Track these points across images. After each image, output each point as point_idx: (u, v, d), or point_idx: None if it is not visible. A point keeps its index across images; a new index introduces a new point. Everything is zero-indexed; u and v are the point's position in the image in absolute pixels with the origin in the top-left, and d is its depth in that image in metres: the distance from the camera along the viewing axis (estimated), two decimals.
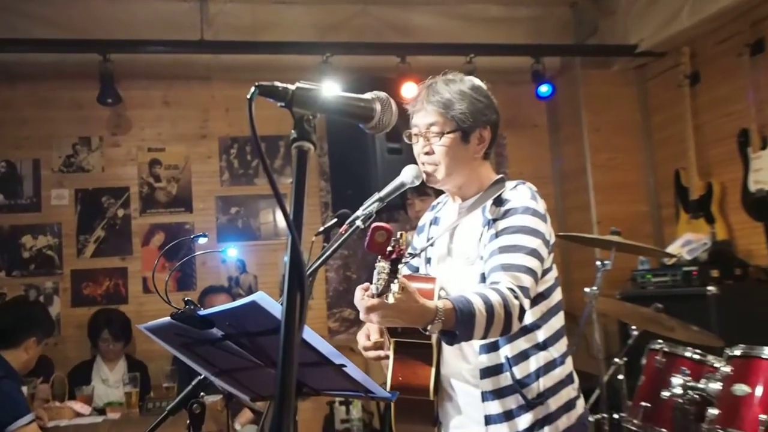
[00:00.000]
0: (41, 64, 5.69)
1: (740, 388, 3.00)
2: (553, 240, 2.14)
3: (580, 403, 2.18)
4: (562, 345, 2.15)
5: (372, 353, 2.16)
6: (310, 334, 1.54)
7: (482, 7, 6.36)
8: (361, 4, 6.11)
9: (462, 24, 6.28)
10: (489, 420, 2.05)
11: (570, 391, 2.14)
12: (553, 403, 2.08)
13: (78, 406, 4.16)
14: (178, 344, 1.85)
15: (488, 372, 2.07)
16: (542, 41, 6.31)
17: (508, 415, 2.04)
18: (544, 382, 2.07)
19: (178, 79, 6.03)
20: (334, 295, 6.18)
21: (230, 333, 1.69)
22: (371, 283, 1.64)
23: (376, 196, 2.06)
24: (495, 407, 2.05)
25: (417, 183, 2.12)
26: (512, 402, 2.05)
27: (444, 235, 2.25)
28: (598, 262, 3.81)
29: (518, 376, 2.05)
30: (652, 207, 6.36)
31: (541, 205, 2.08)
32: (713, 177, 5.59)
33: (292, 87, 1.08)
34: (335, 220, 3.86)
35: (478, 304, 1.78)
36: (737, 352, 3.12)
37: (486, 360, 2.07)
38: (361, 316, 1.70)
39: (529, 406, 2.04)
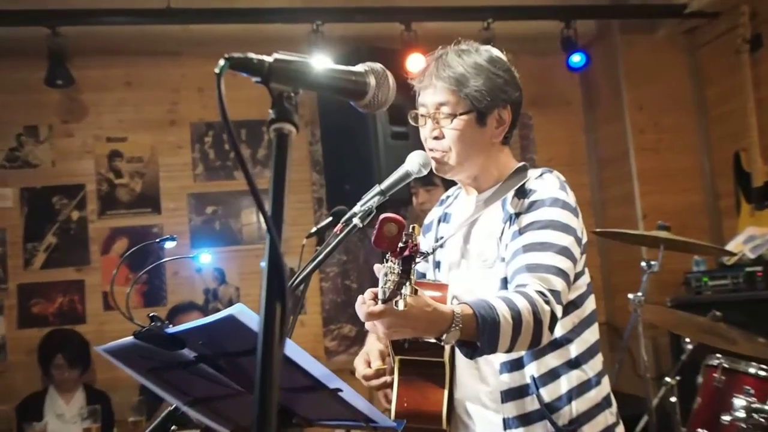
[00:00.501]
0: None
1: None
2: (585, 239, 2.14)
3: (620, 431, 2.18)
4: (597, 362, 2.16)
5: (375, 382, 2.17)
6: (299, 354, 1.55)
7: None
8: None
9: None
10: None
11: (607, 417, 2.14)
12: (588, 430, 2.08)
13: None
14: (144, 369, 1.86)
15: (511, 395, 2.07)
16: (574, 2, 6.30)
17: None
18: (576, 406, 2.07)
19: (141, 56, 6.04)
20: (331, 308, 6.19)
21: (205, 354, 1.70)
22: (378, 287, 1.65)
23: (377, 188, 2.07)
24: None
25: (425, 172, 2.13)
26: (539, 430, 2.05)
27: (457, 235, 2.25)
28: (644, 264, 3.82)
29: (546, 399, 2.05)
30: (707, 197, 6.36)
31: (571, 197, 2.09)
32: None
33: (269, 59, 1.09)
34: (330, 218, 3.87)
35: (502, 310, 1.79)
36: None
37: (508, 380, 2.08)
38: (366, 326, 1.71)
39: None
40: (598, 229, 4.22)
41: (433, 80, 2.12)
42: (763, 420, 3.19)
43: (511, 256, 2.01)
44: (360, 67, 1.24)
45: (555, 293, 1.90)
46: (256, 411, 0.80)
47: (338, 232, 2.09)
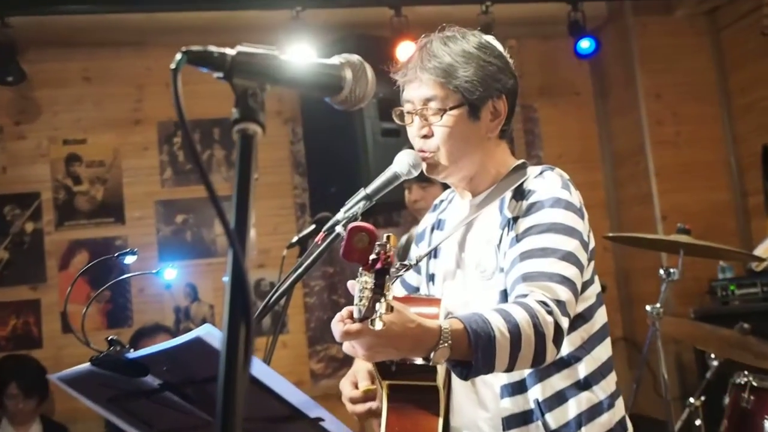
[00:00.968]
0: None
1: None
2: (593, 243, 2.14)
3: None
4: (609, 383, 2.15)
5: (360, 407, 2.16)
6: (275, 380, 1.55)
7: None
8: None
9: None
10: None
11: None
12: None
13: None
14: (103, 399, 1.86)
15: (514, 421, 2.06)
16: None
17: None
18: None
19: (101, 47, 6.04)
20: (317, 327, 6.19)
21: (170, 381, 1.70)
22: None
23: (362, 193, 2.07)
24: None
25: (415, 173, 2.13)
26: None
27: (451, 243, 2.25)
28: (663, 271, 3.82)
29: (553, 425, 2.05)
30: (734, 195, 6.38)
31: (575, 197, 2.09)
32: None
33: (231, 52, 1.09)
34: (313, 226, 3.87)
35: (498, 323, 1.77)
36: None
37: (510, 405, 2.07)
38: (344, 347, 1.71)
39: None
40: (611, 234, 4.22)
41: (417, 73, 2.11)
42: None
43: (509, 266, 2.01)
44: (335, 60, 1.24)
45: (559, 303, 1.88)
46: None
47: (319, 242, 2.08)
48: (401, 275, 1.92)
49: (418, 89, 2.13)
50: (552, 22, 6.29)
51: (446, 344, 1.70)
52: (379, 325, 1.53)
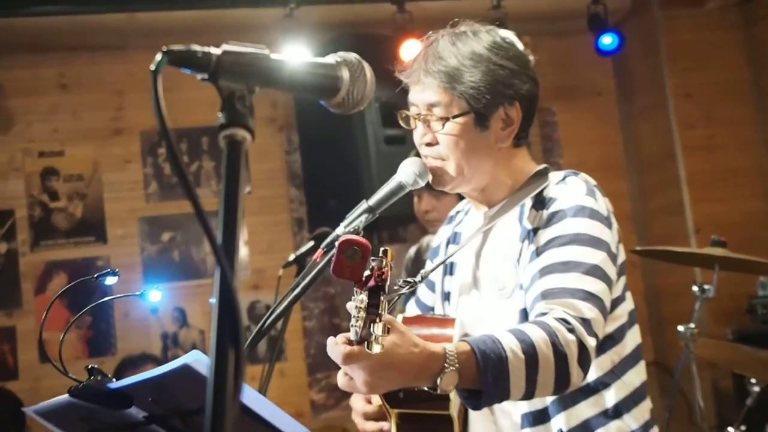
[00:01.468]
0: None
1: None
2: (623, 257, 2.13)
3: None
4: (643, 411, 2.14)
5: (372, 426, 2.16)
6: (269, 410, 1.55)
7: None
8: None
9: None
10: None
11: None
12: None
13: None
14: None
15: None
16: None
17: None
18: None
19: (78, 51, 6.07)
20: (318, 353, 6.18)
21: (156, 413, 1.70)
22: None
23: (364, 205, 2.07)
24: None
25: (422, 183, 2.13)
26: None
27: (466, 256, 2.25)
28: (696, 288, 3.81)
29: None
30: None
31: (602, 204, 2.08)
32: None
33: (216, 51, 1.09)
34: (312, 243, 3.86)
35: (510, 343, 1.75)
36: None
37: None
38: (339, 381, 1.70)
39: None
40: (638, 248, 4.21)
41: (421, 75, 2.12)
42: None
43: (529, 282, 2.00)
44: (330, 59, 1.24)
45: (584, 321, 1.85)
46: None
47: (317, 260, 2.08)
48: (404, 293, 1.89)
49: (421, 93, 2.14)
50: (570, 17, 6.30)
51: (453, 368, 1.68)
52: (376, 349, 1.52)
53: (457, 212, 2.49)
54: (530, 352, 1.75)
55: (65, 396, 1.78)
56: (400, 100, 2.24)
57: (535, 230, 2.06)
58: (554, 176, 2.16)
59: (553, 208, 2.06)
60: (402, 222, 5.35)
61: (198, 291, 6.04)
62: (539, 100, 2.24)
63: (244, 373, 0.86)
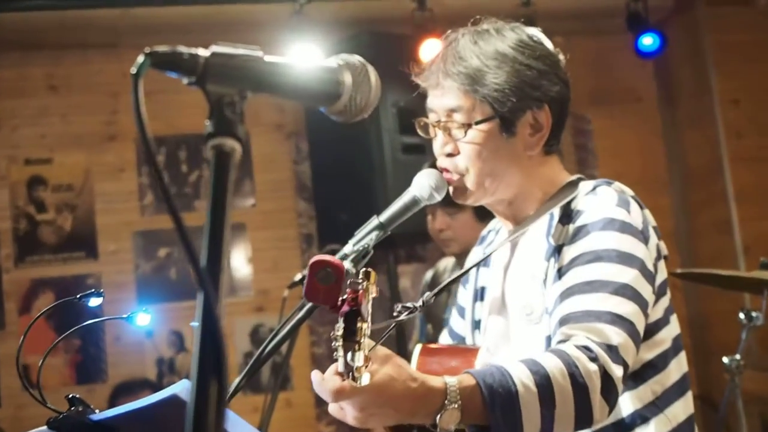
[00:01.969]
0: None
1: None
2: (663, 275, 2.11)
3: None
4: None
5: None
6: None
7: None
8: None
9: None
10: None
11: None
12: None
13: None
14: None
15: None
16: None
17: None
18: None
19: (69, 50, 6.09)
20: None
21: None
22: None
23: (375, 221, 2.07)
24: None
25: (438, 198, 2.12)
26: None
27: (495, 278, 2.24)
28: (743, 315, 3.78)
29: None
30: None
31: (635, 216, 2.05)
32: None
33: (204, 53, 1.09)
34: None
35: (521, 375, 1.73)
36: None
37: None
38: (330, 410, 1.69)
39: None
40: (680, 270, 4.18)
41: (440, 78, 2.11)
42: None
43: (553, 306, 1.99)
44: (332, 62, 1.24)
45: (610, 348, 1.82)
46: None
47: None
48: (402, 320, 1.85)
49: (441, 98, 2.13)
50: (607, 15, 6.31)
51: (454, 405, 1.67)
52: (365, 380, 1.52)
53: (489, 231, 2.48)
54: (544, 385, 1.72)
55: (43, 428, 1.78)
56: (419, 106, 2.24)
57: (560, 247, 2.05)
58: (585, 186, 2.14)
59: (579, 222, 2.04)
60: (420, 239, 5.32)
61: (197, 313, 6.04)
62: (570, 105, 2.23)
63: (225, 405, 0.86)
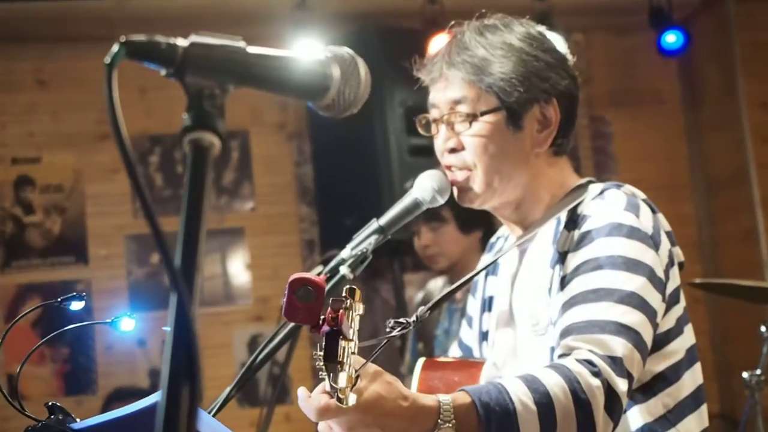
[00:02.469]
0: None
1: None
2: (676, 282, 2.10)
3: None
4: None
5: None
6: None
7: None
8: None
9: None
10: None
11: None
12: None
13: None
14: None
15: None
16: None
17: None
18: None
19: (61, 43, 6.11)
20: None
21: None
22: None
23: (374, 224, 2.08)
24: None
25: (441, 201, 2.13)
26: None
27: (502, 288, 2.25)
28: (764, 328, 3.78)
29: None
30: None
31: (645, 220, 2.04)
32: None
33: (183, 43, 1.10)
34: (321, 268, 3.88)
35: (519, 392, 1.73)
36: None
37: None
38: (319, 429, 1.72)
39: None
40: (698, 280, 4.17)
41: (444, 69, 2.12)
42: None
43: (557, 316, 1.99)
44: (319, 54, 1.25)
45: (614, 360, 1.82)
46: None
47: None
48: (395, 336, 1.83)
49: (444, 90, 2.13)
50: (629, 11, 6.29)
51: (448, 425, 1.67)
52: (351, 400, 1.52)
53: (498, 238, 2.47)
54: (544, 402, 1.72)
55: None
56: (423, 103, 2.25)
57: (565, 254, 2.05)
58: (593, 190, 2.14)
59: (584, 228, 2.04)
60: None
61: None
62: (588, 107, 2.23)
63: (197, 410, 0.86)
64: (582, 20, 6.28)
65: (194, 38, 1.09)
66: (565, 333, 1.90)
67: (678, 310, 2.10)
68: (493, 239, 2.50)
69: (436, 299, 2.08)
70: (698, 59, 6.66)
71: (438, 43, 5.19)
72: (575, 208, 2.10)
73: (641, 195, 2.12)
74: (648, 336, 1.93)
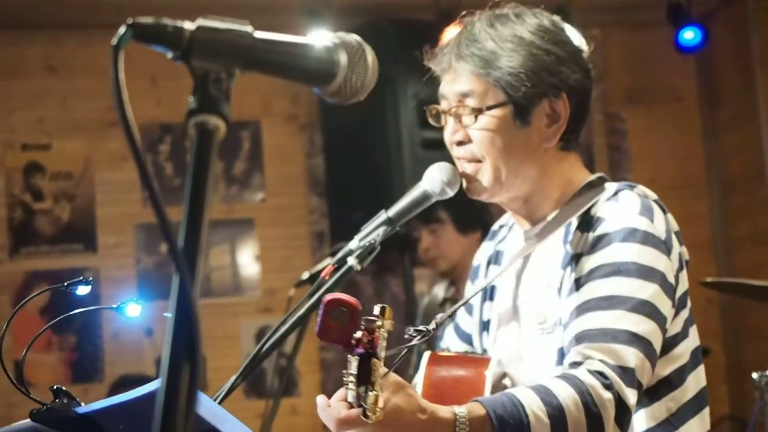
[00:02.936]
0: None
1: None
2: (685, 286, 2.11)
3: None
4: None
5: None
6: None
7: None
8: None
9: None
10: None
11: None
12: None
13: None
14: None
15: None
16: None
17: None
18: None
19: (71, 30, 6.12)
20: (336, 389, 6.06)
21: None
22: None
23: (383, 216, 2.08)
24: None
25: (450, 193, 2.13)
26: None
27: (507, 281, 2.25)
28: None
29: None
30: None
31: (659, 224, 2.05)
32: None
33: (190, 26, 1.10)
34: (330, 260, 3.90)
35: (533, 405, 1.76)
36: None
37: None
38: None
39: None
40: (710, 279, 4.15)
41: (452, 61, 2.12)
42: None
43: (568, 319, 2.00)
44: (327, 40, 1.25)
45: (625, 371, 1.85)
46: None
47: (326, 277, 2.10)
48: (415, 345, 1.85)
49: (452, 82, 2.14)
50: (646, 6, 6.28)
51: None
52: (372, 417, 1.55)
53: (501, 226, 2.46)
54: (557, 416, 1.76)
55: (26, 421, 1.80)
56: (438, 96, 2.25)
57: (578, 256, 2.05)
58: (606, 191, 2.13)
59: (599, 231, 2.04)
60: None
61: (201, 312, 6.04)
62: (603, 103, 2.22)
63: (196, 391, 0.87)
64: (599, 16, 6.26)
65: (201, 22, 1.10)
66: (578, 339, 1.92)
67: (685, 312, 2.11)
68: (495, 227, 2.50)
69: (459, 304, 2.14)
70: (716, 57, 6.64)
71: (450, 33, 5.23)
72: (589, 209, 2.09)
73: (653, 195, 2.12)
74: (658, 344, 1.96)
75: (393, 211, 2.09)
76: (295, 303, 2.40)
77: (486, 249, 2.46)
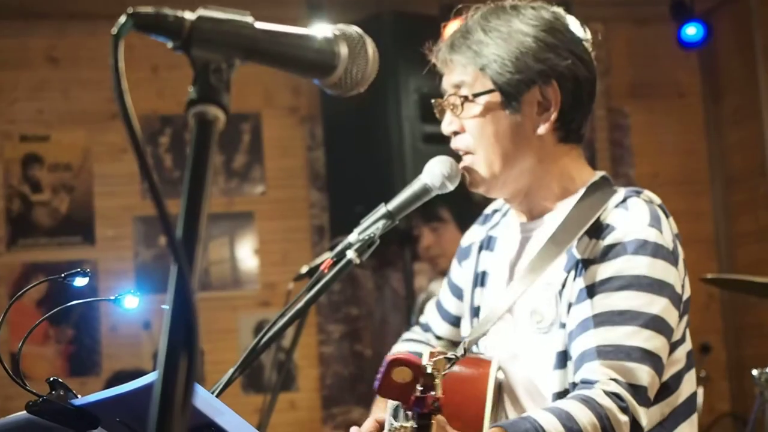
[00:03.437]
0: None
1: None
2: (688, 293, 2.13)
3: None
4: None
5: None
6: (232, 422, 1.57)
7: None
8: None
9: None
10: None
11: None
12: None
13: None
14: None
15: None
16: None
17: None
18: None
19: (71, 20, 6.12)
20: (335, 384, 6.18)
21: None
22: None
23: (383, 209, 2.08)
24: None
25: (450, 187, 2.13)
26: None
27: (501, 271, 2.25)
28: None
29: None
30: None
31: (667, 234, 2.06)
32: None
33: (190, 16, 1.10)
34: (329, 254, 3.90)
35: (553, 430, 1.80)
36: None
37: None
38: None
39: None
40: (710, 275, 4.15)
41: (446, 54, 2.14)
42: None
43: (576, 329, 2.00)
44: (327, 32, 1.25)
45: (638, 390, 1.90)
46: None
47: (325, 270, 2.10)
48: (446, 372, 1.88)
49: (449, 75, 2.17)
50: (650, 2, 6.29)
51: None
52: None
53: (494, 211, 2.45)
54: None
55: (23, 413, 1.80)
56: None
57: (586, 262, 2.05)
58: (614, 197, 2.12)
59: (609, 240, 2.04)
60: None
61: (199, 305, 6.04)
62: (606, 98, 2.23)
63: (194, 383, 0.87)
64: (601, 10, 6.26)
65: (202, 12, 1.10)
66: (591, 355, 1.95)
67: (686, 318, 2.13)
68: (488, 210, 2.48)
69: (480, 333, 2.13)
70: (719, 52, 6.64)
71: (451, 28, 5.23)
72: (599, 216, 2.08)
73: (657, 200, 2.13)
74: (666, 357, 2.01)
75: (393, 204, 2.09)
76: (293, 297, 2.40)
77: (478, 232, 2.45)
